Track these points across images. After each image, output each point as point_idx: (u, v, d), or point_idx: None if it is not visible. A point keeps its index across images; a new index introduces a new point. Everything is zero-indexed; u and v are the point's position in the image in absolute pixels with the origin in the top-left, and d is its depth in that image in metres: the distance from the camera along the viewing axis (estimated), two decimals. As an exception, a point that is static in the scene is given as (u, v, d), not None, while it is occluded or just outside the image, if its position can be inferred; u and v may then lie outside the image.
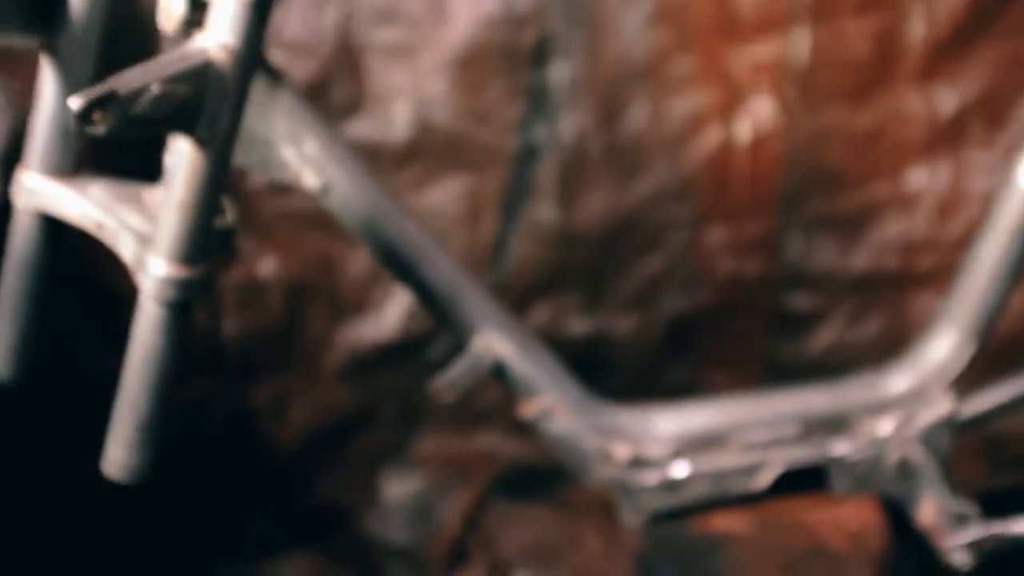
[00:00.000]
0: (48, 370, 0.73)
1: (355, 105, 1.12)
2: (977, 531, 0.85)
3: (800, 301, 1.19)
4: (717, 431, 0.85)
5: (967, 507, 0.86)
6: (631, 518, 0.84)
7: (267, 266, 1.11)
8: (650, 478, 0.83)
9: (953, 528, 0.85)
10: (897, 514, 0.90)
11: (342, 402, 1.13)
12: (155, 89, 0.59)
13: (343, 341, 1.14)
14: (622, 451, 0.83)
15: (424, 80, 1.12)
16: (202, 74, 0.60)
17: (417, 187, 1.14)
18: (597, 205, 1.17)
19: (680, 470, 0.84)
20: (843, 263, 1.18)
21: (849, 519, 0.86)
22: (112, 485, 0.64)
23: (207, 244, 0.64)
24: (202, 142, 0.61)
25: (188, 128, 0.61)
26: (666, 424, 0.85)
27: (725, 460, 0.84)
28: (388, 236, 0.78)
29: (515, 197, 1.16)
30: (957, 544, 0.85)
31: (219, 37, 0.61)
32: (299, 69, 1.09)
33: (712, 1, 1.15)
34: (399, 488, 1.16)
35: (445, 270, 0.79)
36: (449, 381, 0.80)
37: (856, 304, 1.20)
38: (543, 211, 1.16)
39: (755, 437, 0.85)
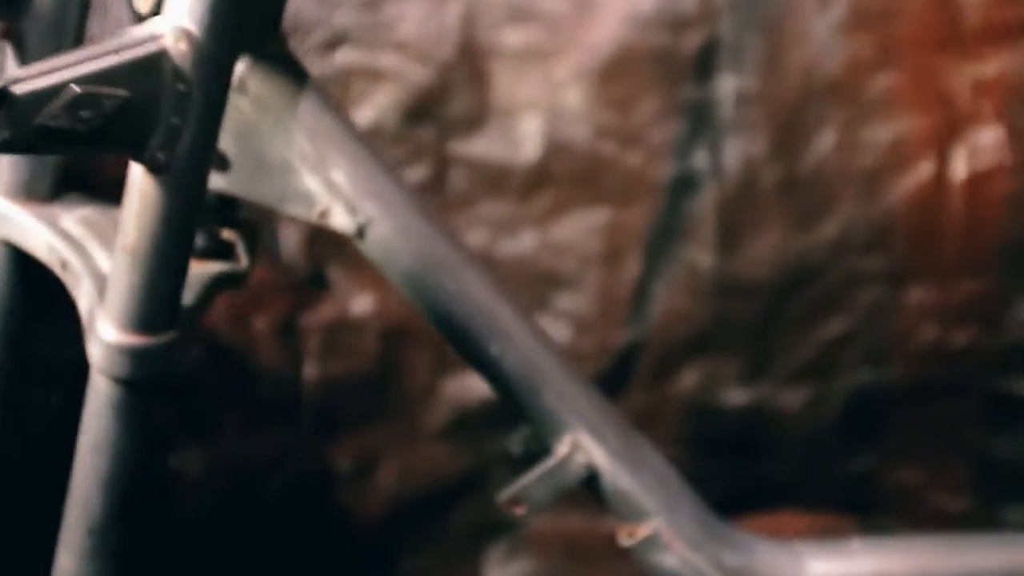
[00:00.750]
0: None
1: (476, 119, 0.95)
2: None
3: (1024, 385, 0.94)
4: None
5: None
6: None
7: (361, 303, 0.95)
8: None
9: None
10: None
11: (443, 466, 0.96)
12: (76, 90, 0.42)
13: (448, 394, 0.96)
14: (757, 602, 0.62)
15: (560, 91, 0.94)
16: (152, 71, 0.44)
17: (545, 219, 0.96)
18: (766, 251, 0.95)
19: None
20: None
21: None
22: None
23: (170, 306, 0.48)
24: (157, 167, 0.45)
25: (135, 147, 0.45)
26: (823, 568, 0.63)
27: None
28: (446, 297, 0.60)
29: (665, 236, 0.96)
30: None
31: (178, 19, 0.45)
32: (412, 74, 0.93)
33: (926, 4, 0.91)
34: (500, 574, 0.97)
35: (525, 347, 0.61)
36: (523, 492, 0.61)
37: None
38: (698, 255, 0.96)
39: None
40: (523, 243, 0.97)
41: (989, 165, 0.93)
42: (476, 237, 0.97)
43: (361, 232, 0.58)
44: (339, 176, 0.57)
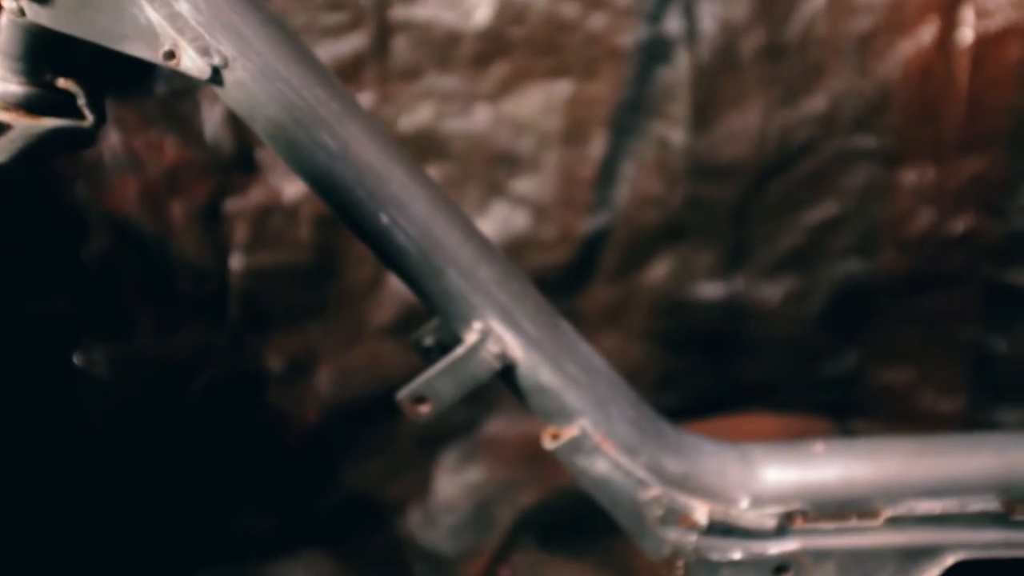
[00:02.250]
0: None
1: (420, -23, 0.84)
2: None
3: (1027, 276, 0.86)
4: (860, 492, 0.54)
5: None
6: (714, 611, 0.55)
7: (295, 187, 0.85)
8: (744, 552, 0.53)
9: None
10: None
11: (389, 366, 0.87)
12: None
13: (394, 287, 0.88)
14: (701, 511, 0.53)
15: (515, -55, 0.83)
16: None
17: (500, 93, 0.86)
18: (746, 128, 0.86)
19: (793, 544, 0.53)
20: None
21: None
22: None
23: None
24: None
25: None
26: (778, 475, 0.54)
27: (869, 539, 0.53)
28: (324, 155, 0.50)
29: (633, 111, 0.86)
30: None
31: None
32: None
33: None
34: (454, 483, 0.89)
35: (422, 217, 0.51)
36: (427, 387, 0.52)
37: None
38: (670, 132, 0.86)
39: (922, 507, 0.53)
40: (475, 120, 0.87)
41: (1000, 27, 0.82)
42: (422, 114, 0.87)
43: (217, 75, 0.48)
44: (186, 7, 0.47)
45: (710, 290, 0.90)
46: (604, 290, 0.91)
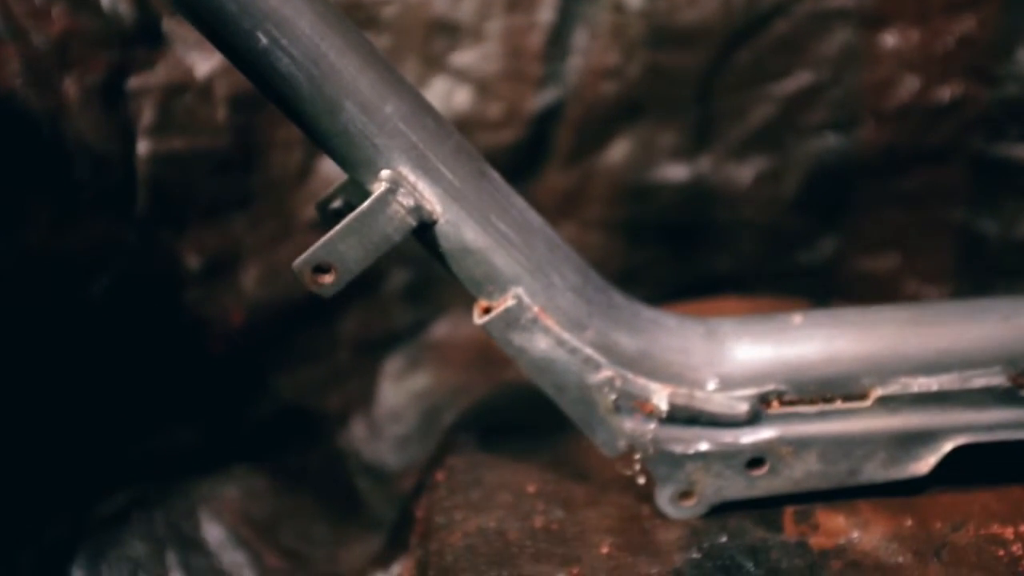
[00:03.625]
0: None
1: None
2: None
3: (1019, 149, 0.78)
4: (846, 369, 0.46)
5: None
6: (674, 508, 0.47)
7: (208, 62, 0.76)
8: (712, 443, 0.46)
9: None
10: None
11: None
12: None
13: (326, 173, 0.79)
14: (660, 395, 0.45)
15: None
16: None
17: (436, -48, 0.77)
18: (710, -13, 0.77)
19: (769, 432, 0.46)
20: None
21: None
22: None
23: None
24: None
25: None
26: (750, 352, 0.46)
27: (857, 423, 0.46)
28: None
29: (585, -29, 0.77)
30: None
31: None
32: None
33: None
34: (400, 390, 0.82)
35: (310, 37, 0.42)
36: (330, 251, 0.44)
37: (1112, 156, 0.78)
38: (627, -7, 0.77)
39: (917, 385, 0.46)
40: (410, -15, 0.78)
41: None
42: (351, -21, 0.78)
43: None
44: None
45: (674, 172, 0.82)
46: (558, 175, 0.82)
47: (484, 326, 0.45)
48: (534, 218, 0.47)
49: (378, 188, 0.43)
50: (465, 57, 0.80)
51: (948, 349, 0.46)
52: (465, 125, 0.80)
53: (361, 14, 0.79)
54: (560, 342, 0.44)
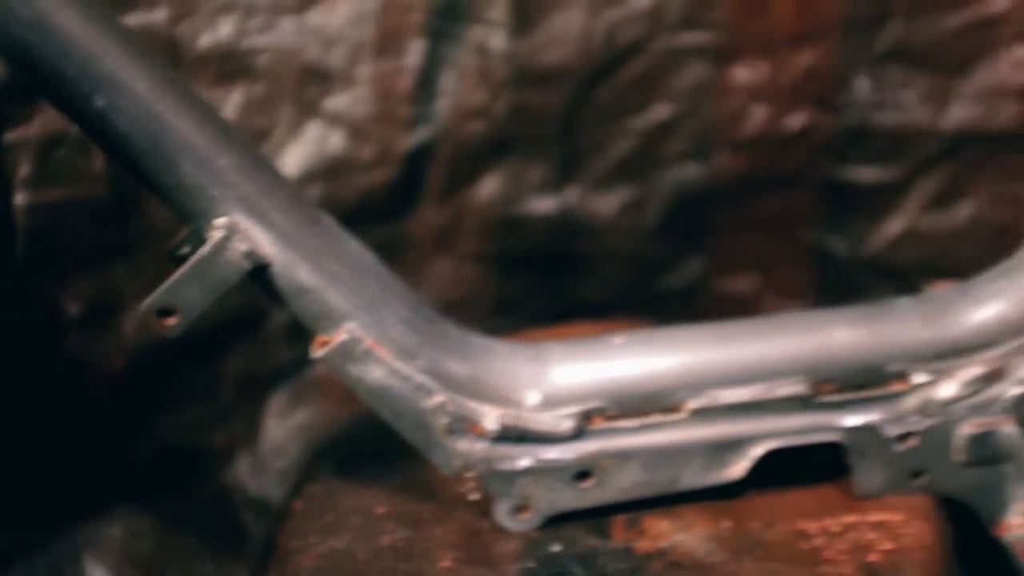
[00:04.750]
0: None
1: None
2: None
3: (864, 172, 0.83)
4: (662, 385, 0.50)
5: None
6: (512, 521, 0.51)
7: (82, 113, 0.78)
8: (540, 459, 0.49)
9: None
10: (967, 526, 0.54)
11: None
12: None
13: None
14: (490, 416, 0.49)
15: None
16: None
17: (307, 3, 0.80)
18: (568, 28, 0.82)
19: (592, 446, 0.49)
20: (931, 116, 0.80)
21: (882, 534, 0.51)
22: None
23: None
24: None
25: None
26: (573, 372, 0.50)
27: (673, 434, 0.50)
28: (17, 26, 0.43)
29: (449, 17, 0.81)
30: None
31: None
32: None
33: None
34: (283, 426, 0.84)
35: (145, 98, 0.45)
36: (173, 295, 0.47)
37: (946, 176, 0.83)
38: (490, 37, 0.81)
39: (727, 396, 0.50)
40: (282, 34, 0.81)
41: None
42: (224, 29, 0.80)
43: None
44: None
45: (542, 205, 0.86)
46: (432, 211, 0.86)
47: (322, 359, 0.48)
48: (367, 258, 0.50)
49: (215, 235, 0.47)
50: (338, 102, 0.83)
51: (754, 362, 0.50)
52: (340, 167, 0.84)
53: (235, 63, 0.81)
54: (393, 371, 0.48)
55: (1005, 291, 0.50)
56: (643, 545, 0.50)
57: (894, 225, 0.86)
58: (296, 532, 0.54)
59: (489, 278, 0.87)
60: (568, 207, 0.86)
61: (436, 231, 0.86)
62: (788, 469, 0.53)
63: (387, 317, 0.48)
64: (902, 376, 0.51)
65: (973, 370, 0.50)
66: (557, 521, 0.52)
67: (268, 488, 0.82)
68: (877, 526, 0.51)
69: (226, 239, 0.46)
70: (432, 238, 0.86)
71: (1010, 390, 0.50)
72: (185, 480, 0.81)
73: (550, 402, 0.49)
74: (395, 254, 0.86)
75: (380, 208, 0.84)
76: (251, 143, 0.49)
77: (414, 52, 0.82)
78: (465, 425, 0.49)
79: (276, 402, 0.86)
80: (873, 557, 0.49)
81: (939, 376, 0.50)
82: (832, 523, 0.51)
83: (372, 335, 0.48)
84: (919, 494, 0.52)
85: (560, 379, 0.50)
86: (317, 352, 0.49)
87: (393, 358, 0.48)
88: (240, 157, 0.47)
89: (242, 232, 0.47)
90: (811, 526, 0.50)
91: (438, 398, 0.48)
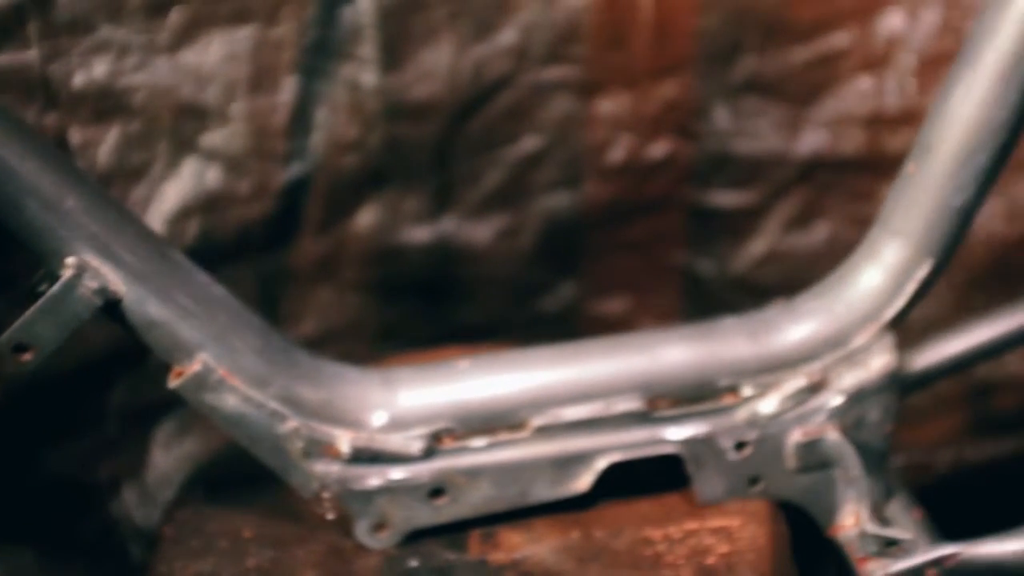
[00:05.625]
0: None
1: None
2: (925, 552, 0.53)
3: (726, 196, 0.87)
4: (506, 404, 0.53)
5: (912, 511, 0.54)
6: (372, 539, 0.53)
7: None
8: (393, 478, 0.52)
9: (886, 549, 0.53)
10: (802, 529, 0.58)
11: (86, 340, 0.82)
12: None
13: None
14: (343, 439, 0.51)
15: None
16: None
17: (178, 43, 0.82)
18: (437, 63, 0.85)
19: (443, 464, 0.52)
20: (785, 143, 0.85)
21: (719, 539, 0.54)
22: None
23: None
24: None
25: None
26: (422, 395, 0.53)
27: (520, 451, 0.53)
28: None
29: (321, 54, 0.84)
30: (893, 571, 0.54)
31: None
32: None
33: None
34: (170, 456, 0.85)
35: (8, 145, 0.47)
36: (26, 331, 0.48)
37: (802, 199, 0.88)
38: (361, 73, 0.84)
39: (568, 414, 0.53)
40: (156, 72, 0.83)
41: (669, -52, 0.83)
42: (98, 68, 0.82)
43: None
44: None
45: (419, 234, 0.89)
46: (312, 242, 0.88)
47: (177, 389, 0.51)
48: (217, 290, 0.53)
49: (65, 274, 0.49)
50: (214, 138, 0.85)
51: (594, 381, 0.53)
52: (218, 201, 0.85)
53: (110, 102, 0.83)
54: (247, 399, 0.50)
55: (823, 308, 0.54)
56: (497, 557, 0.53)
57: (756, 246, 0.91)
58: (165, 557, 0.55)
59: (371, 306, 0.89)
60: (444, 235, 0.89)
61: (316, 262, 0.88)
62: (639, 480, 0.56)
63: (239, 347, 0.50)
64: (733, 390, 0.54)
65: (797, 382, 0.53)
66: (416, 537, 0.54)
67: (155, 519, 0.83)
68: (716, 531, 0.55)
69: (76, 277, 0.49)
70: (313, 268, 0.88)
71: (832, 400, 0.54)
72: (70, 513, 0.82)
73: (399, 424, 0.52)
74: (277, 285, 0.88)
75: (259, 241, 0.86)
76: (102, 183, 0.51)
77: (287, 89, 0.84)
78: (320, 448, 0.51)
79: (162, 432, 0.87)
80: (710, 560, 0.53)
81: (766, 389, 0.54)
82: (675, 530, 0.55)
83: (224, 365, 0.50)
84: (757, 500, 0.56)
85: (408, 402, 0.52)
86: (173, 383, 0.51)
87: (246, 387, 0.50)
88: (87, 198, 0.49)
89: (92, 270, 0.49)
90: (655, 533, 0.53)
91: (292, 423, 0.51)
